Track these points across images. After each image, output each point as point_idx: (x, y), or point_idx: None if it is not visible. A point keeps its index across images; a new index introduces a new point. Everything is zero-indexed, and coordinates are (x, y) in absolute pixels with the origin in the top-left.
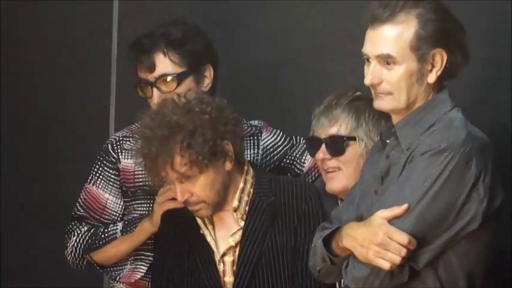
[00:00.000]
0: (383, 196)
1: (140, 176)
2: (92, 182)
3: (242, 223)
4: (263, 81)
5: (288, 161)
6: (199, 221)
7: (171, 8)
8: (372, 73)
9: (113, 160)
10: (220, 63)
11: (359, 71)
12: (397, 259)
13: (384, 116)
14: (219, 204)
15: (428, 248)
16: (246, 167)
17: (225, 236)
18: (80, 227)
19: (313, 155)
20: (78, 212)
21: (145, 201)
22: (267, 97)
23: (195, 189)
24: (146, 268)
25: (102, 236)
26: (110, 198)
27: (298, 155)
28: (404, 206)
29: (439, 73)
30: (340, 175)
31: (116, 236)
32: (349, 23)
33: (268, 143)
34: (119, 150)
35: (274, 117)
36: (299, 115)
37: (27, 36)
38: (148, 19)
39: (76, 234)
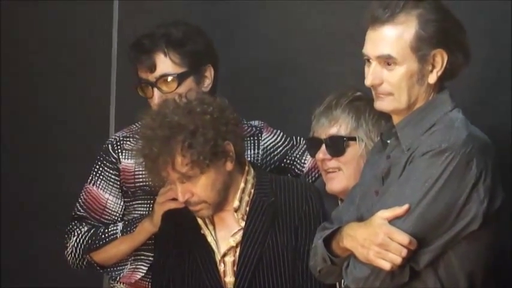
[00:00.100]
0: (384, 196)
1: (140, 176)
2: (92, 182)
3: (243, 223)
4: (263, 81)
5: (288, 161)
6: (200, 221)
7: (171, 8)
8: (373, 74)
9: (113, 160)
10: (220, 63)
11: (359, 71)
12: (398, 259)
13: (384, 116)
14: (219, 205)
15: (429, 248)
16: (246, 167)
17: (225, 236)
18: (80, 227)
19: (313, 156)
20: (78, 212)
21: (146, 201)
22: (267, 97)
23: (196, 189)
24: (146, 268)
25: (103, 236)
26: (110, 199)
27: (298, 156)
28: (405, 207)
29: (439, 73)
30: (340, 175)
31: (116, 236)
32: (349, 23)
33: (268, 143)
34: (119, 151)
35: (274, 117)
36: (299, 115)
37: (27, 36)
38: (148, 19)
39: (76, 234)
